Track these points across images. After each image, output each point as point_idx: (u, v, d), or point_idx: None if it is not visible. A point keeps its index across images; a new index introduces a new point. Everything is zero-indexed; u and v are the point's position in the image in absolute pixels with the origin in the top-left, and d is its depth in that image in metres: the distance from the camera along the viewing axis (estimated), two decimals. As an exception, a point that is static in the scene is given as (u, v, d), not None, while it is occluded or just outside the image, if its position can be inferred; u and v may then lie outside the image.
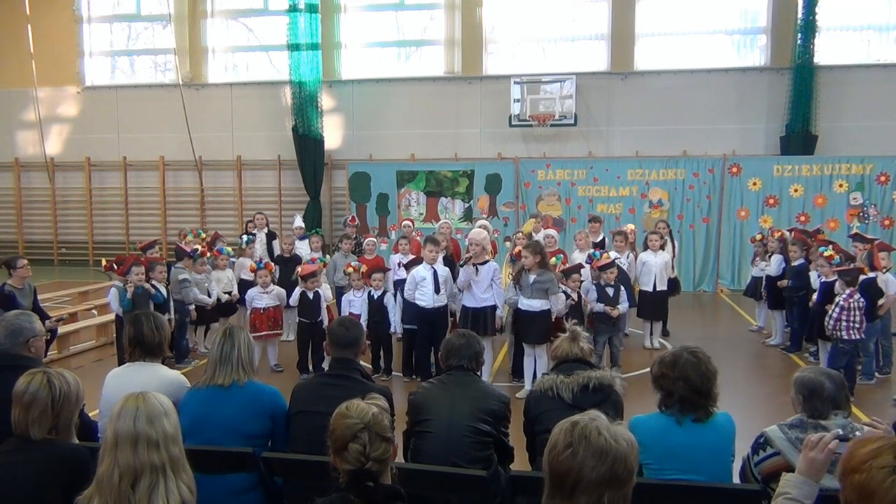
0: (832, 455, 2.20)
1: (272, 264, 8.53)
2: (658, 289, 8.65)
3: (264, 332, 7.77)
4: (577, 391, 3.42)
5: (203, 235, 9.83)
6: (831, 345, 6.78)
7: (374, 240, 9.56)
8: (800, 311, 8.24)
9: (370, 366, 7.46)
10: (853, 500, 1.74)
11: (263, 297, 7.87)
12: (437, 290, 7.11)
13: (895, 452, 1.71)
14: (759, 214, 13.23)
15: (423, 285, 7.12)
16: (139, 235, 16.02)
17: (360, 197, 14.49)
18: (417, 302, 7.16)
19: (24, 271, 7.41)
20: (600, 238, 9.45)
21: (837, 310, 6.64)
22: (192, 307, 8.10)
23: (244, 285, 8.73)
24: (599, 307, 7.42)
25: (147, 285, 7.29)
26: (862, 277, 6.92)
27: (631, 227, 9.48)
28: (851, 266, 7.03)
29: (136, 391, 2.37)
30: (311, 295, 7.55)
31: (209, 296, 8.38)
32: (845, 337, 6.61)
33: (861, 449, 1.77)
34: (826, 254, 7.28)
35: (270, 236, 10.56)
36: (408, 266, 7.90)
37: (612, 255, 8.09)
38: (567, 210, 13.80)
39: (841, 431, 2.30)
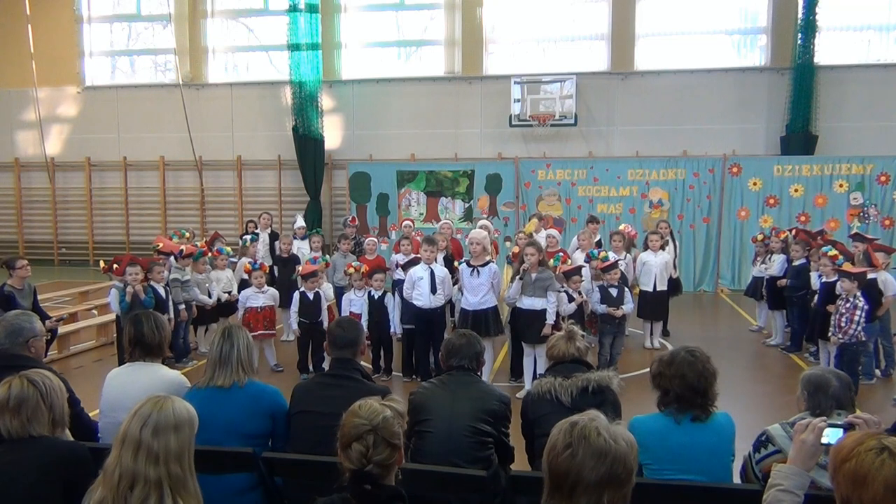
0: (823, 448, 2.20)
1: (266, 266, 8.53)
2: (658, 289, 8.64)
3: (260, 332, 7.76)
4: (577, 395, 3.40)
5: (187, 235, 9.81)
6: (837, 349, 6.74)
7: (375, 240, 9.56)
8: (800, 311, 8.24)
9: (370, 366, 7.46)
10: (848, 492, 1.75)
11: (259, 297, 7.86)
12: (433, 291, 7.10)
13: (878, 437, 1.77)
14: (759, 214, 13.23)
15: (420, 285, 7.12)
16: (139, 236, 16.07)
17: (360, 197, 14.49)
18: (414, 302, 7.16)
19: (23, 271, 7.43)
20: (597, 239, 9.44)
21: (846, 314, 6.61)
22: (183, 307, 8.07)
23: (244, 286, 8.72)
24: (602, 308, 7.42)
25: (139, 287, 7.22)
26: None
27: (624, 227, 9.45)
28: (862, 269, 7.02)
29: (161, 393, 2.34)
30: (310, 295, 7.54)
31: (209, 296, 8.38)
32: (863, 338, 6.61)
33: (847, 441, 1.83)
34: (830, 253, 7.28)
35: (273, 236, 10.56)
36: (406, 266, 7.90)
37: (611, 255, 8.09)
38: (567, 210, 13.80)
39: (833, 420, 2.30)
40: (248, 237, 9.64)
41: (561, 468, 1.80)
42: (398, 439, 2.26)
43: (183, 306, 8.06)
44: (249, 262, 8.40)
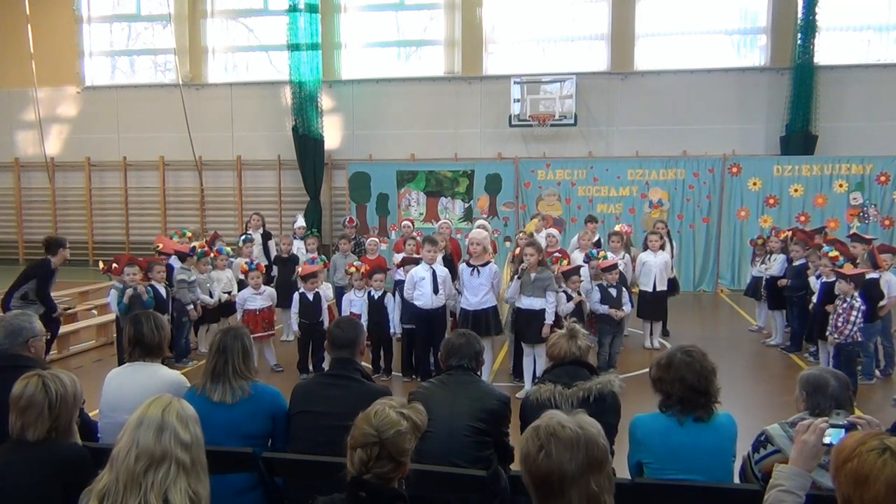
0: (824, 449, 2.21)
1: (262, 265, 8.53)
2: (658, 289, 8.65)
3: (259, 334, 7.75)
4: (577, 405, 3.34)
5: (189, 234, 9.81)
6: (834, 349, 6.75)
7: (377, 239, 9.57)
8: (800, 311, 8.24)
9: (370, 366, 7.46)
10: (849, 492, 1.75)
11: (257, 299, 7.86)
12: (435, 291, 7.10)
13: (880, 437, 1.78)
14: (759, 214, 13.23)
15: (422, 286, 7.11)
16: (139, 236, 16.07)
17: (360, 197, 14.49)
18: (415, 302, 7.15)
19: (66, 253, 8.03)
20: (596, 238, 9.44)
21: (843, 315, 6.62)
22: (190, 307, 8.09)
23: (243, 286, 8.72)
24: (603, 308, 7.42)
25: (140, 288, 7.22)
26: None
27: (621, 227, 9.44)
28: (860, 271, 7.01)
29: (161, 394, 2.32)
30: (310, 296, 7.54)
31: (211, 296, 8.39)
32: (859, 338, 6.63)
33: (849, 441, 1.83)
34: (831, 254, 7.27)
35: (266, 237, 10.54)
36: (402, 264, 7.89)
37: (609, 256, 8.10)
38: (567, 210, 13.80)
39: (834, 420, 2.29)
40: (242, 238, 9.61)
41: (542, 470, 1.83)
42: (405, 456, 2.23)
43: (191, 306, 8.07)
44: (246, 263, 8.40)
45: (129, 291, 7.16)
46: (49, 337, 8.00)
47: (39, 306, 7.71)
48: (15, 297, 7.86)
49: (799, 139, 13.63)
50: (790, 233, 9.20)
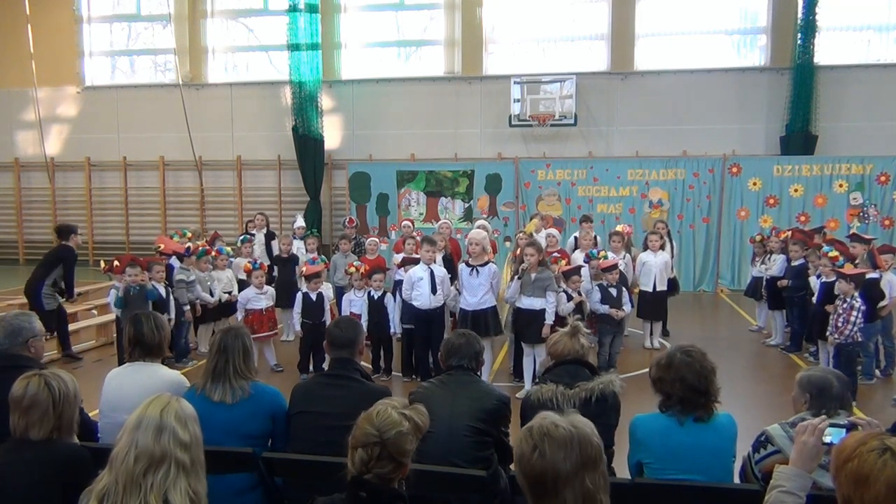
0: (825, 448, 2.21)
1: (266, 265, 8.52)
2: (658, 289, 8.65)
3: (265, 333, 7.76)
4: (579, 405, 3.34)
5: (189, 234, 9.82)
6: (834, 349, 6.75)
7: (377, 240, 9.56)
8: (800, 312, 8.24)
9: (370, 366, 7.46)
10: (849, 492, 1.76)
11: (261, 298, 7.86)
12: (433, 291, 7.09)
13: (881, 437, 1.79)
14: (759, 214, 13.22)
15: (420, 286, 7.10)
16: (139, 236, 16.06)
17: (360, 197, 14.49)
18: (413, 302, 7.15)
19: (78, 238, 8.47)
20: (592, 236, 9.41)
21: (843, 315, 6.61)
22: (187, 307, 8.08)
23: (242, 286, 8.72)
24: (603, 308, 7.42)
25: (144, 277, 7.26)
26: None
27: (621, 227, 9.43)
28: (860, 271, 7.01)
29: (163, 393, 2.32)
30: (313, 296, 7.53)
31: (212, 294, 8.39)
32: (859, 339, 6.63)
33: (849, 441, 1.84)
34: (831, 254, 7.27)
35: (269, 236, 10.55)
36: (402, 264, 7.88)
37: (610, 255, 8.10)
38: (567, 210, 13.79)
39: (835, 420, 2.30)
40: (241, 238, 9.61)
41: (536, 470, 1.84)
42: (406, 457, 2.23)
43: (188, 307, 8.07)
44: (250, 262, 8.39)
45: (124, 284, 7.19)
46: (57, 326, 8.08)
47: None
48: (46, 286, 7.88)
49: (799, 139, 13.63)
50: (790, 233, 9.19)
